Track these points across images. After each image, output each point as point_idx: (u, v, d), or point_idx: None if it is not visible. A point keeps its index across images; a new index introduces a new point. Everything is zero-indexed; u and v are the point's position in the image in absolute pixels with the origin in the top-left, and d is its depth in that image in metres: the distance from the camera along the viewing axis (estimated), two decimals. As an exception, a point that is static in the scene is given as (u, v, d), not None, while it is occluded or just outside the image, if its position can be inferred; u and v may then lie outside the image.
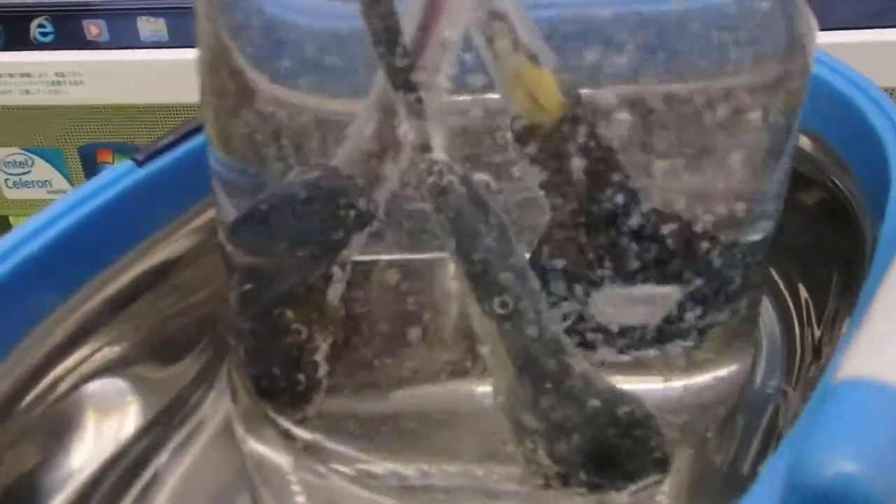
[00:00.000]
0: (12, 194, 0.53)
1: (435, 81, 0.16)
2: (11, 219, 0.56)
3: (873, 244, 0.20)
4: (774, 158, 0.18)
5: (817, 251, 0.25)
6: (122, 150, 0.51)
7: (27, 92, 0.49)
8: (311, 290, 0.17)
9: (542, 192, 0.17)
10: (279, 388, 0.18)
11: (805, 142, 0.26)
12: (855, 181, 0.24)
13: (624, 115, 0.17)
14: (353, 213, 0.17)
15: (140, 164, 0.21)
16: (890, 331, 0.13)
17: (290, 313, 0.18)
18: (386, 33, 0.15)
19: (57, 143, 0.51)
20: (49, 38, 0.49)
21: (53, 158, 0.52)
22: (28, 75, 0.48)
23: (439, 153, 0.16)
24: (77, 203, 0.20)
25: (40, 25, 0.48)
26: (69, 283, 0.21)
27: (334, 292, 0.18)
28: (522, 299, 0.16)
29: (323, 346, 0.18)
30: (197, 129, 0.23)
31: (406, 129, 0.16)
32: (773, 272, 0.26)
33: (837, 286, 0.23)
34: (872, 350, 0.12)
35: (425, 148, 0.16)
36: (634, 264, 0.17)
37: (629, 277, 0.17)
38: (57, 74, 0.48)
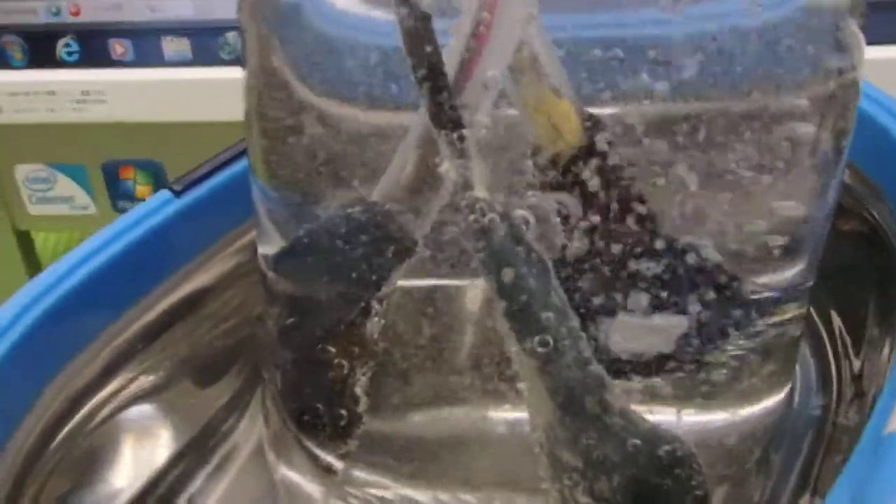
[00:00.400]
0: (35, 210, 0.53)
1: (476, 119, 0.16)
2: (34, 234, 0.57)
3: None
4: (821, 187, 0.18)
5: (851, 278, 0.25)
6: (145, 167, 0.52)
7: (52, 110, 0.49)
8: (351, 324, 0.17)
9: (558, 220, 0.17)
10: (322, 423, 0.18)
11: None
12: (889, 208, 0.24)
13: (659, 141, 0.17)
14: (392, 248, 0.17)
15: (178, 194, 0.21)
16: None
17: (331, 347, 0.18)
18: (429, 72, 0.15)
19: (80, 160, 0.52)
20: (75, 57, 0.49)
21: (76, 175, 0.52)
22: (53, 93, 0.48)
23: (480, 191, 0.16)
24: (117, 234, 0.20)
25: (66, 45, 0.49)
26: (110, 313, 0.21)
27: (373, 325, 0.18)
28: (563, 338, 0.16)
29: (363, 380, 0.18)
30: (232, 159, 0.23)
31: (447, 167, 0.16)
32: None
33: (875, 312, 0.23)
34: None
35: (467, 186, 0.16)
36: (649, 293, 0.17)
37: (652, 308, 0.17)
38: (82, 93, 0.48)
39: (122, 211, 0.52)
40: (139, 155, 0.51)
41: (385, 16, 0.16)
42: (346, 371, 0.18)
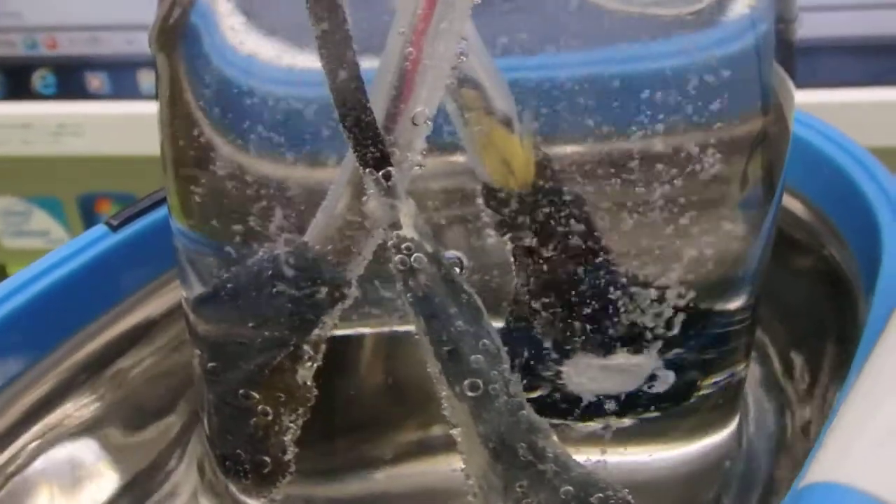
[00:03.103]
0: (10, 244, 0.53)
1: (406, 158, 0.16)
2: (9, 268, 0.56)
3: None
4: (755, 223, 0.18)
5: (811, 316, 0.25)
6: (122, 200, 0.51)
7: (28, 142, 0.49)
8: (279, 370, 0.17)
9: (513, 259, 0.16)
10: (244, 470, 0.18)
11: (800, 209, 0.25)
12: (850, 253, 0.23)
13: (597, 178, 0.16)
14: (324, 291, 0.16)
15: (114, 228, 0.21)
16: (858, 432, 0.12)
17: (255, 394, 0.17)
18: (353, 111, 0.15)
19: (56, 193, 0.51)
20: (51, 90, 0.49)
21: (52, 208, 0.52)
22: (29, 126, 0.48)
23: (408, 230, 0.16)
24: (49, 268, 0.20)
25: (43, 77, 0.49)
26: (40, 347, 0.20)
27: (305, 372, 0.17)
28: (494, 382, 0.16)
29: (292, 428, 0.17)
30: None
31: (374, 207, 0.16)
32: (764, 337, 0.26)
33: (831, 352, 0.23)
34: (839, 453, 0.12)
35: (394, 225, 0.16)
36: (607, 333, 0.17)
37: (602, 347, 0.17)
38: (58, 125, 0.48)
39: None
40: (116, 188, 0.51)
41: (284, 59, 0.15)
42: (270, 418, 0.17)
